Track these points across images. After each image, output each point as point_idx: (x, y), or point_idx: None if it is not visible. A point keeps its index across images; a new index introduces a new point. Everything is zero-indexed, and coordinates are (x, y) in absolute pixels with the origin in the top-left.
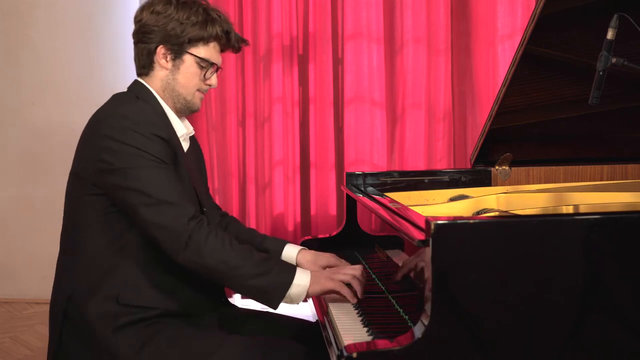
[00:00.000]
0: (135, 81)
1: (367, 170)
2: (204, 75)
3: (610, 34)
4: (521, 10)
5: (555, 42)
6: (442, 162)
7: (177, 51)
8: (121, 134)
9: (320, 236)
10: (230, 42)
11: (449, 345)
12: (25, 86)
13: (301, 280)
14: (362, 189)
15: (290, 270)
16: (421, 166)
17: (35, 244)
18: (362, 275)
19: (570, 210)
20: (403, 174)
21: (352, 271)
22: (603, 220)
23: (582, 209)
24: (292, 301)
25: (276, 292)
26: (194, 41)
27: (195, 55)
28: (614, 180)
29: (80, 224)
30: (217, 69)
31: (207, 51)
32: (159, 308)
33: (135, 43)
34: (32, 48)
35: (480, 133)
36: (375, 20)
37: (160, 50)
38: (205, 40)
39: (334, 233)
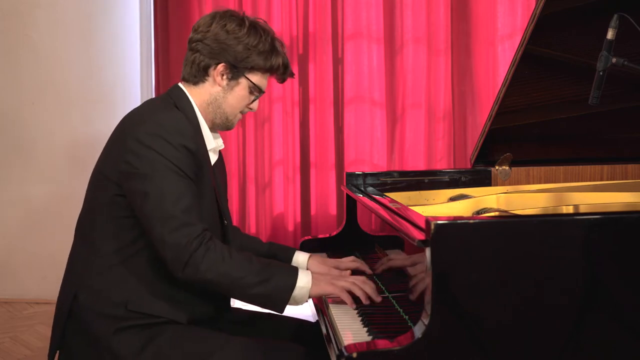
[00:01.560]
0: (177, 87)
1: (367, 170)
2: (251, 99)
3: (610, 34)
4: (521, 10)
5: (555, 42)
6: (442, 162)
7: (236, 73)
8: (150, 139)
9: (320, 236)
10: (284, 75)
11: (449, 345)
12: (25, 86)
13: (303, 282)
14: (362, 189)
15: (292, 273)
16: (421, 166)
17: (35, 244)
18: (365, 282)
19: (570, 210)
20: (403, 174)
21: (353, 279)
22: (603, 220)
23: (582, 209)
24: (297, 303)
25: (280, 297)
26: (256, 69)
27: (251, 81)
28: (614, 180)
29: (97, 220)
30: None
31: (262, 79)
32: (167, 318)
33: (193, 51)
34: (32, 48)
35: (480, 133)
36: (375, 20)
37: (220, 68)
38: (264, 70)
39: (334, 233)
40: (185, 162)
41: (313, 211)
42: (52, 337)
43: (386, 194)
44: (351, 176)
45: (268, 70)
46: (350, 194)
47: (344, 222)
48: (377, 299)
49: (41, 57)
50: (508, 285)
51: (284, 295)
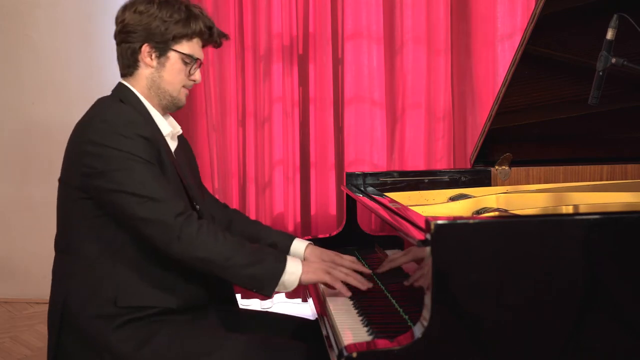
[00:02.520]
0: (119, 84)
1: (367, 170)
2: (189, 71)
3: (610, 34)
4: (521, 10)
5: (555, 42)
6: (442, 162)
7: (162, 49)
8: (103, 138)
9: (320, 236)
10: (212, 37)
11: (449, 345)
12: (25, 86)
13: (293, 267)
14: (362, 189)
15: (282, 258)
16: (421, 166)
17: (35, 244)
18: (358, 266)
19: (570, 210)
20: (403, 174)
21: (348, 267)
22: (603, 220)
23: (582, 209)
24: (286, 288)
25: (269, 280)
26: (178, 38)
27: (180, 52)
28: (614, 180)
29: (72, 229)
30: (200, 64)
31: (191, 47)
32: (159, 306)
33: (119, 44)
34: (32, 48)
35: (480, 133)
36: (375, 20)
37: (145, 48)
38: (188, 37)
39: (334, 233)
40: (142, 149)
41: (313, 211)
42: (49, 343)
43: (386, 194)
44: (351, 176)
45: (192, 36)
46: (350, 194)
47: (344, 222)
48: (368, 284)
49: (41, 57)
50: (508, 285)
51: (274, 278)
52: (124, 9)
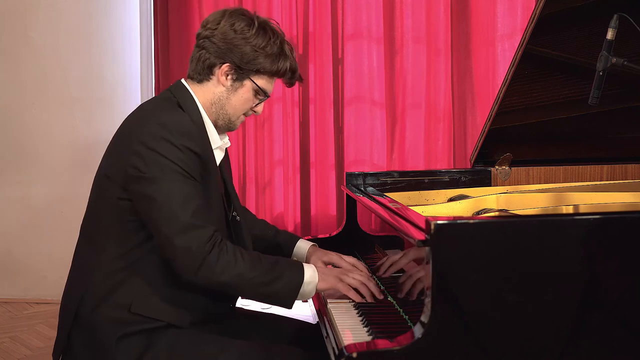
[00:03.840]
0: (181, 84)
1: (367, 170)
2: (256, 103)
3: (610, 34)
4: (521, 10)
5: (555, 42)
6: (442, 162)
7: (241, 75)
8: (155, 142)
9: (320, 236)
10: (291, 80)
11: (449, 345)
12: (25, 86)
13: (310, 277)
14: (362, 189)
15: (298, 269)
16: (421, 166)
17: (35, 244)
18: (369, 279)
19: (570, 210)
20: (403, 174)
21: (360, 277)
22: (603, 220)
23: (582, 209)
24: (303, 298)
25: (289, 294)
26: (261, 72)
27: (256, 84)
28: (614, 180)
29: (102, 227)
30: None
31: (268, 82)
32: (169, 321)
33: (200, 47)
34: (32, 48)
35: (480, 133)
36: (375, 20)
37: (225, 68)
38: (271, 74)
39: (334, 233)
40: (190, 164)
41: (313, 211)
42: (57, 338)
43: (386, 194)
44: (351, 176)
45: (275, 74)
46: (350, 194)
47: (344, 222)
48: (380, 296)
49: (41, 57)
50: (508, 285)
51: (293, 292)
52: (222, 17)
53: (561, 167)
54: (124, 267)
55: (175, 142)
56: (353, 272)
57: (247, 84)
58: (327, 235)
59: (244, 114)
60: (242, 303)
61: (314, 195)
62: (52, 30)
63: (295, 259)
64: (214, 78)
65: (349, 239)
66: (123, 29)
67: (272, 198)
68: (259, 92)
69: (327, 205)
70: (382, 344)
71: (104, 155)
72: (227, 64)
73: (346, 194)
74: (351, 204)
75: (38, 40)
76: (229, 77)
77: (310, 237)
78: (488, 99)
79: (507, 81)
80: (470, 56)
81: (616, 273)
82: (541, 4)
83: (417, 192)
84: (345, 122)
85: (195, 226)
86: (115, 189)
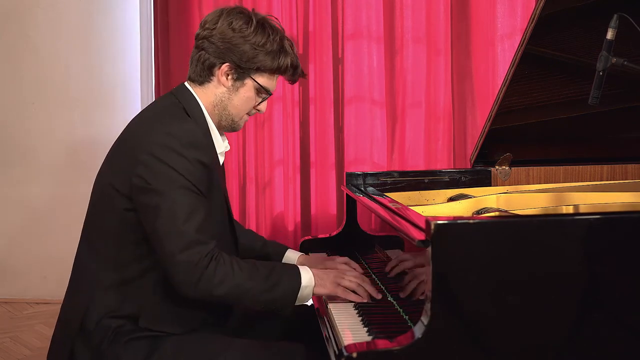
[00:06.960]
0: (184, 88)
1: (367, 170)
2: (259, 101)
3: (610, 34)
4: (521, 10)
5: (555, 42)
6: (442, 162)
7: (242, 74)
8: (163, 153)
9: (320, 236)
10: (294, 76)
11: (449, 346)
12: (25, 86)
13: (307, 281)
14: (362, 189)
15: (295, 274)
16: (421, 166)
17: (35, 244)
18: (365, 278)
19: (570, 210)
20: (403, 174)
21: (356, 278)
22: (603, 220)
23: (582, 209)
24: (301, 301)
25: (288, 300)
26: (262, 70)
27: (257, 82)
28: (614, 180)
29: (106, 238)
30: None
31: (269, 80)
32: (174, 332)
33: (199, 48)
34: (32, 48)
35: (480, 133)
36: (375, 20)
37: (225, 67)
38: (272, 71)
39: (334, 233)
40: (198, 177)
41: (313, 211)
42: (55, 348)
43: (386, 194)
44: (351, 176)
45: (276, 71)
46: (350, 194)
47: (344, 222)
48: (378, 295)
49: (41, 57)
50: (508, 285)
51: (291, 298)
52: (219, 16)
53: (561, 167)
54: (130, 278)
55: (183, 153)
56: (348, 273)
57: (249, 82)
58: (327, 235)
59: (247, 114)
60: None
61: (314, 195)
62: (52, 30)
63: None
64: (215, 79)
65: (349, 239)
66: (123, 29)
67: (272, 198)
68: (261, 91)
69: (327, 205)
70: (382, 344)
71: (105, 160)
72: (227, 64)
73: (346, 193)
74: (351, 203)
75: (38, 40)
76: (229, 77)
77: (310, 237)
78: (488, 99)
79: (507, 81)
80: (470, 56)
81: (616, 273)
82: (541, 4)
83: (417, 192)
84: (345, 122)
85: (199, 242)
86: (121, 200)
